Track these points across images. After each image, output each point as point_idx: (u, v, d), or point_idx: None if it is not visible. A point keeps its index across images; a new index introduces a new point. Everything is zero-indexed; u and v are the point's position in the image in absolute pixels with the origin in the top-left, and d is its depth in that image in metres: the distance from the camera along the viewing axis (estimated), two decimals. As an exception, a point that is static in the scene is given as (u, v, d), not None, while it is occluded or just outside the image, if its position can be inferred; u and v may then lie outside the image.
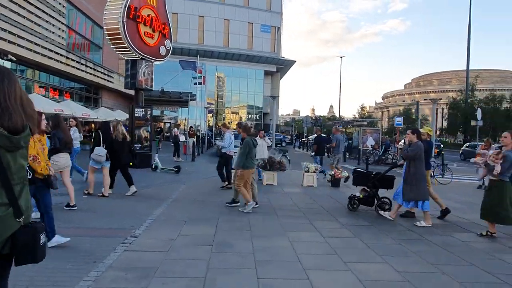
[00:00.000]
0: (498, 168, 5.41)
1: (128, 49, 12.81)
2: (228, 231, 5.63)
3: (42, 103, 16.77)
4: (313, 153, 13.40)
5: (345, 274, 4.04)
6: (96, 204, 7.29)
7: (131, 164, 8.71)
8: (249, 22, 49.06)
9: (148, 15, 13.48)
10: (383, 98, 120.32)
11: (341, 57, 66.63)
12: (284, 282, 3.76)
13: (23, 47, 18.04)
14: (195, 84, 28.12)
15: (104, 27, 12.71)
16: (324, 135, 17.74)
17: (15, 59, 18.00)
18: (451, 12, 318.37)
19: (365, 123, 25.22)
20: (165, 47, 14.58)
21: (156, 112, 37.28)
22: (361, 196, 7.47)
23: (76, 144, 9.99)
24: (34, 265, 3.92)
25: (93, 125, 23.88)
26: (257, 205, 7.37)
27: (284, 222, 6.35)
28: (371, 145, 21.65)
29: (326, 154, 14.68)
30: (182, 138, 15.67)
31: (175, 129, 16.07)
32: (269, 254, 4.60)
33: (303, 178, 10.82)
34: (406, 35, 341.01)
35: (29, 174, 4.14)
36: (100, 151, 7.81)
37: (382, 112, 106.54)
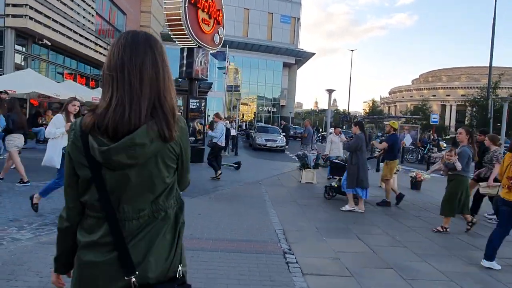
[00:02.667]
0: (459, 165, 5.65)
1: (187, 36, 12.01)
2: (385, 248, 4.95)
3: (80, 92, 16.01)
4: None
5: None
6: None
7: None
8: (269, 12, 47.93)
9: (206, 1, 12.65)
10: (390, 93, 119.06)
11: (352, 50, 65.26)
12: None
13: (57, 31, 17.24)
14: (224, 73, 27.35)
15: (164, 13, 11.89)
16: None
17: (50, 43, 17.18)
18: (459, 7, 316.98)
19: (404, 119, 24.42)
20: (219, 35, 13.77)
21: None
22: (336, 185, 7.91)
23: None
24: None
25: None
26: None
27: (428, 235, 5.68)
28: (411, 143, 20.83)
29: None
30: (233, 132, 14.87)
31: (226, 122, 15.27)
32: (470, 283, 3.93)
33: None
34: (413, 30, 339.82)
35: None
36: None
37: (389, 107, 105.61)
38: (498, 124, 31.22)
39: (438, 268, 4.26)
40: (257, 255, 4.38)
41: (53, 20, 16.83)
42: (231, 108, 39.07)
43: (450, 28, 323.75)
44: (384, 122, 16.30)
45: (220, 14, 13.73)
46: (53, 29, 16.88)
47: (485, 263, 4.34)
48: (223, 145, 10.04)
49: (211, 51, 13.63)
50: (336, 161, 8.86)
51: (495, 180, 6.36)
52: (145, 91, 1.20)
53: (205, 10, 12.61)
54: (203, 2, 12.45)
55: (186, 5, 11.55)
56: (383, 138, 20.93)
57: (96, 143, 1.17)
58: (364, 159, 7.10)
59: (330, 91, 14.63)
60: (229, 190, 8.55)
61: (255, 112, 51.77)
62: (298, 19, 50.11)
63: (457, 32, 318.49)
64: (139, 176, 1.22)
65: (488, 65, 24.35)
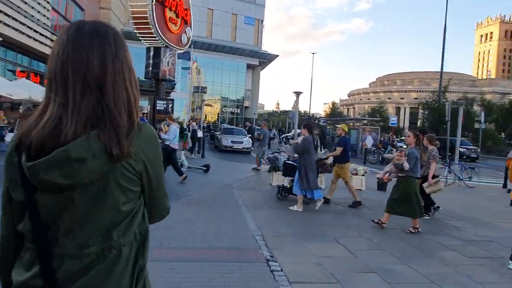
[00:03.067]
0: (406, 165, 5.98)
1: (154, 35, 11.66)
2: (365, 251, 5.00)
3: (34, 91, 15.08)
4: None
5: None
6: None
7: None
8: (233, 13, 47.80)
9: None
10: (349, 96, 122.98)
11: (313, 53, 66.18)
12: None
13: (9, 26, 16.10)
14: (189, 73, 26.94)
15: (130, 10, 11.44)
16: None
17: (1, 39, 15.97)
18: (411, 14, 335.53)
19: (365, 121, 25.23)
20: (186, 35, 13.49)
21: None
22: (288, 186, 8.10)
23: None
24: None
25: None
26: None
27: (402, 236, 5.82)
28: (372, 144, 21.58)
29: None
30: (200, 134, 14.55)
31: (193, 123, 14.93)
32: (450, 285, 4.05)
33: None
34: (370, 35, 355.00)
35: None
36: None
37: (348, 109, 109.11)
38: (444, 126, 32.96)
39: (417, 270, 4.36)
40: (240, 264, 4.26)
41: (5, 14, 15.70)
42: (195, 109, 38.46)
43: (405, 34, 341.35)
44: (336, 126, 16.79)
45: (188, 14, 13.46)
46: (5, 24, 15.75)
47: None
48: (176, 147, 9.87)
49: (178, 51, 13.29)
50: (288, 161, 8.90)
51: (433, 176, 7.02)
52: (88, 99, 0.96)
53: (173, 8, 12.30)
54: (171, 0, 12.13)
55: (153, 2, 11.19)
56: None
57: (26, 157, 0.94)
58: (311, 161, 7.20)
59: (298, 94, 14.77)
60: (200, 195, 8.35)
61: (218, 113, 51.39)
62: (262, 21, 50.42)
63: (411, 38, 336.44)
64: (81, 202, 0.96)
65: (438, 70, 25.81)
